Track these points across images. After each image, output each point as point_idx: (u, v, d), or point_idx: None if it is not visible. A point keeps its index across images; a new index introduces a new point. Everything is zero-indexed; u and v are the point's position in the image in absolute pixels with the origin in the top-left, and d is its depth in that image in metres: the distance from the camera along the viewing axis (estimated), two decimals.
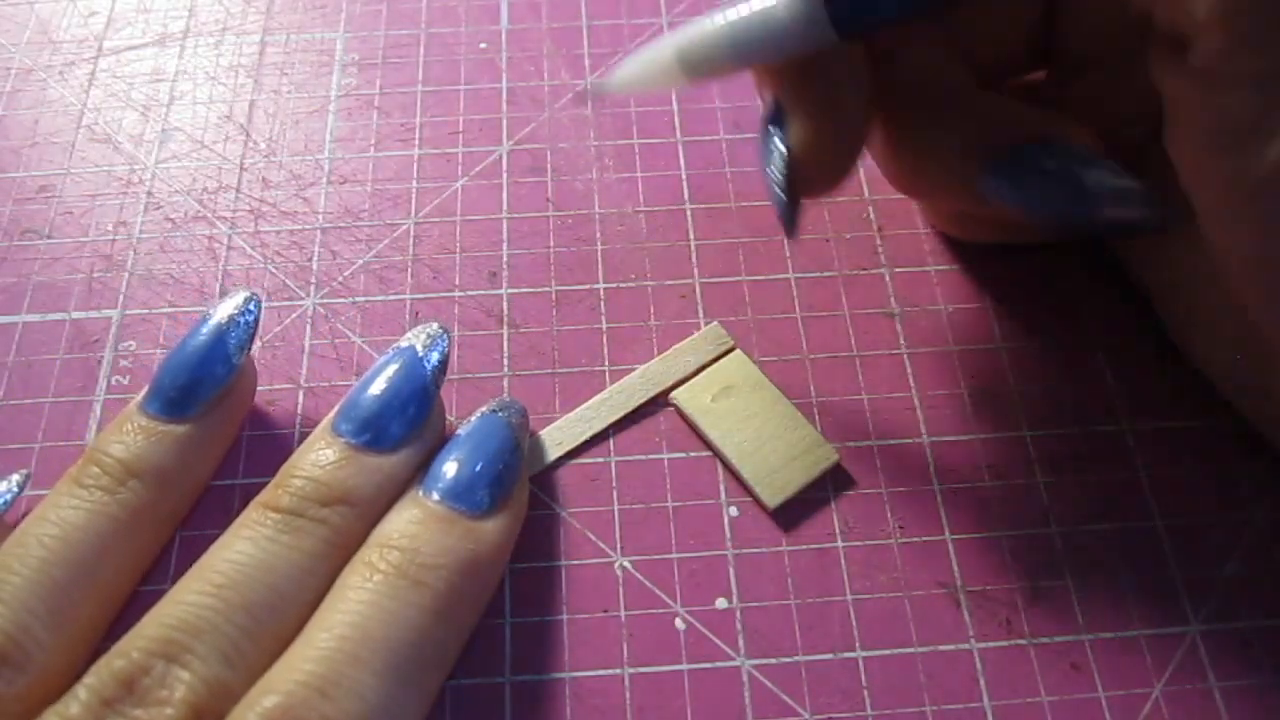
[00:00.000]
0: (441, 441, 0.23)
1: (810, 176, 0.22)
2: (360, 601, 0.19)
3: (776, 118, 0.22)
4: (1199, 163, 0.18)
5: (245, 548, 0.20)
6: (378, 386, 0.23)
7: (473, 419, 0.23)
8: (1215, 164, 0.17)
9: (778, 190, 0.22)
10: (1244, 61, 0.16)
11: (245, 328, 0.23)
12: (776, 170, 0.22)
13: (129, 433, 0.22)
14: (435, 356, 0.23)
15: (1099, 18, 0.22)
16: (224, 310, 0.23)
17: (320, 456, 0.22)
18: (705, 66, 0.22)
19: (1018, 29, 0.24)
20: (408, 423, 0.22)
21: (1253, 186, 0.17)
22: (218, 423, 0.23)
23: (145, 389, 0.23)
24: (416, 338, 0.23)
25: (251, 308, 0.23)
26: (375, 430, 0.22)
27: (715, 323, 0.26)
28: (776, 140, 0.22)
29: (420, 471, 0.22)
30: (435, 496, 0.21)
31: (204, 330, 0.23)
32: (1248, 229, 0.18)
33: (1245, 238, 0.18)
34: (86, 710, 0.18)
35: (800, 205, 0.22)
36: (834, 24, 0.20)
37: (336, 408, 0.23)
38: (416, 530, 0.21)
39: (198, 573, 0.20)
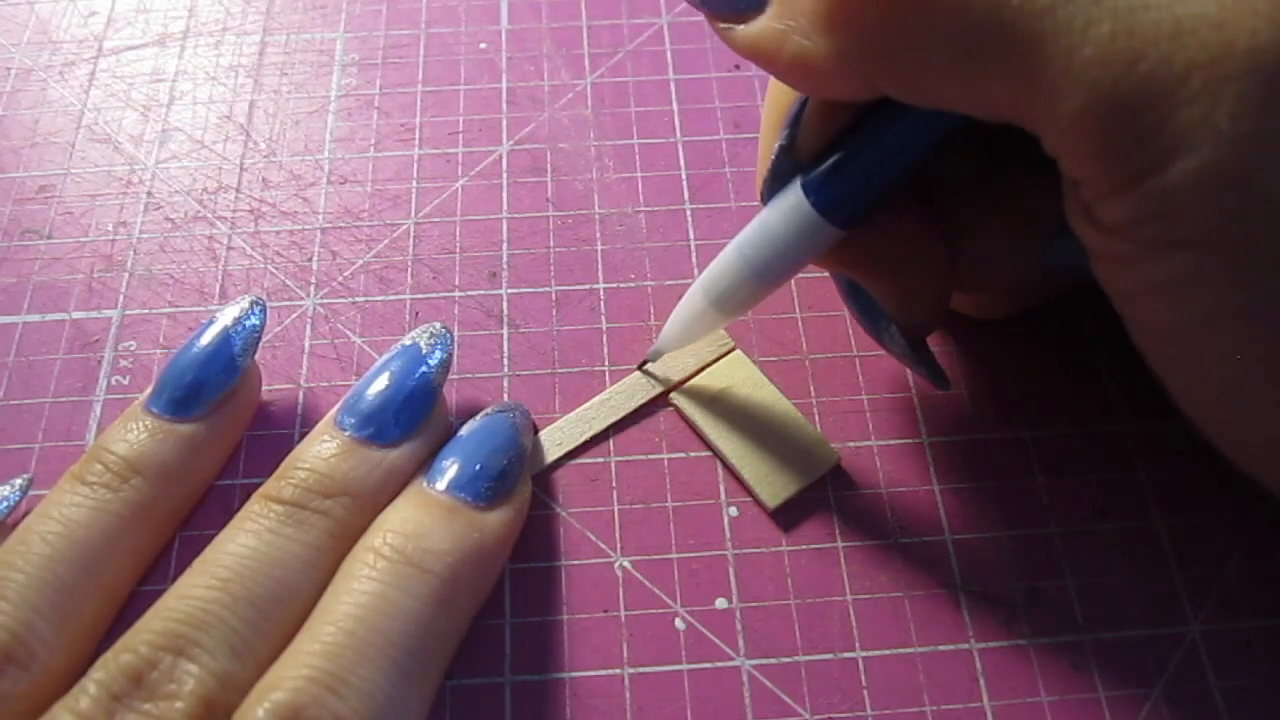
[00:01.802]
0: (444, 439, 0.23)
1: (916, 330, 0.22)
2: (365, 592, 0.20)
3: (854, 290, 0.22)
4: (1107, 289, 0.19)
5: (249, 540, 0.20)
6: (381, 382, 0.23)
7: (476, 419, 0.23)
8: (1116, 296, 0.19)
9: (908, 358, 0.22)
10: (1111, 208, 0.17)
11: (251, 331, 0.23)
12: (897, 343, 0.22)
13: (133, 430, 0.22)
14: (438, 355, 0.23)
15: None
16: (230, 313, 0.23)
17: (323, 449, 0.22)
18: (735, 301, 0.23)
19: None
20: (410, 419, 0.22)
21: (1130, 305, 0.19)
22: (222, 424, 0.23)
23: (150, 388, 0.23)
24: (420, 336, 0.24)
25: (257, 311, 0.24)
26: (378, 425, 0.22)
27: None
28: (879, 316, 0.22)
29: (423, 468, 0.23)
30: (440, 486, 0.22)
31: (210, 332, 0.23)
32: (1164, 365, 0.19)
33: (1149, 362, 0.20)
34: (96, 705, 0.18)
35: (931, 354, 0.23)
36: (833, 222, 0.20)
37: (339, 403, 0.23)
38: (420, 517, 0.21)
39: (201, 566, 0.20)
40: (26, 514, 0.22)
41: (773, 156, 0.21)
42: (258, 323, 0.24)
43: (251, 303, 0.24)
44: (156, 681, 0.18)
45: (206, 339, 0.23)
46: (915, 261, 0.21)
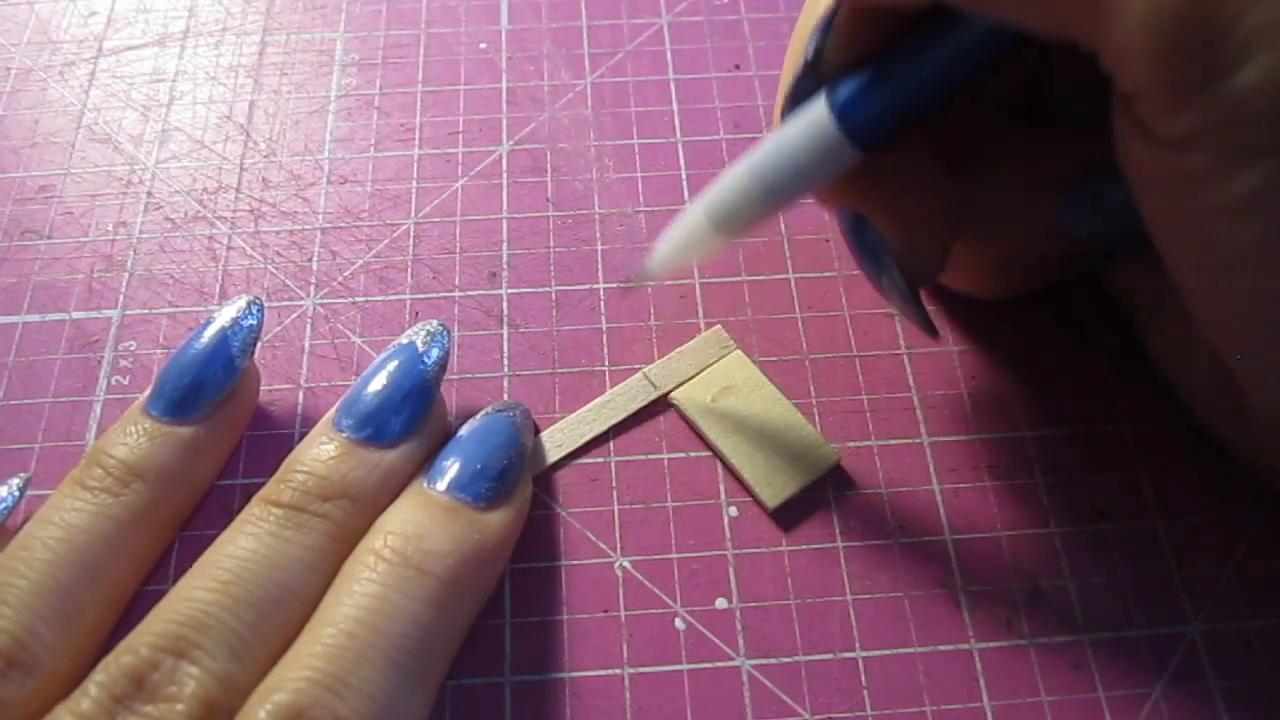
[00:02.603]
0: (443, 439, 0.23)
1: (918, 272, 0.21)
2: (365, 594, 0.20)
3: (859, 226, 0.21)
4: (1160, 226, 0.18)
5: (249, 544, 0.20)
6: (378, 382, 0.23)
7: (476, 419, 0.23)
8: (1176, 228, 0.18)
9: (904, 301, 0.21)
10: (1177, 120, 0.16)
11: (249, 331, 0.23)
12: (897, 285, 0.21)
13: (132, 434, 0.22)
14: (435, 353, 0.23)
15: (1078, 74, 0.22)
16: (227, 314, 0.23)
17: (321, 451, 0.22)
18: (739, 220, 0.21)
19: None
20: (408, 418, 0.22)
21: (1205, 242, 0.17)
22: (221, 425, 0.23)
23: (148, 390, 0.23)
24: (416, 334, 0.23)
25: (254, 311, 0.24)
26: (375, 425, 0.22)
27: (718, 326, 0.26)
28: (882, 254, 0.21)
29: (423, 468, 0.22)
30: (440, 487, 0.22)
31: (207, 333, 0.23)
32: (1206, 288, 0.18)
33: (1202, 304, 0.18)
34: (97, 706, 0.18)
35: (922, 303, 0.22)
36: (855, 143, 0.19)
37: (337, 404, 0.23)
38: (421, 518, 0.21)
39: (202, 569, 0.20)
40: (27, 516, 0.22)
41: (796, 72, 0.20)
42: (255, 323, 0.23)
43: (249, 303, 0.24)
44: (157, 683, 0.18)
45: (204, 340, 0.23)
46: (926, 196, 0.20)
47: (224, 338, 0.23)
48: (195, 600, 0.19)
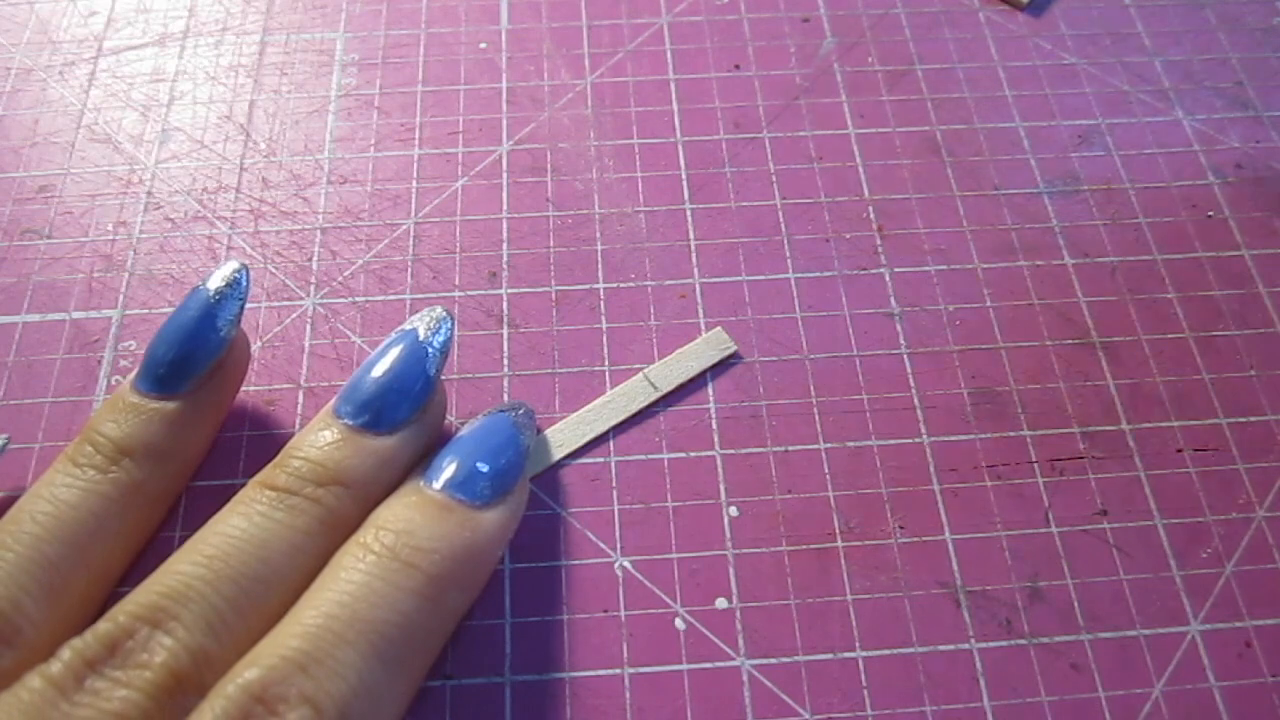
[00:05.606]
0: (443, 431, 0.23)
1: None
2: (351, 582, 0.20)
3: None
4: None
5: (239, 522, 0.20)
6: (379, 369, 0.23)
7: (478, 418, 0.23)
8: None
9: None
10: None
11: (234, 300, 0.23)
12: None
13: (121, 411, 0.22)
14: (438, 340, 0.23)
15: None
16: (212, 283, 0.23)
17: (319, 438, 0.22)
18: None
19: None
20: (407, 405, 0.22)
21: None
22: (210, 398, 0.23)
23: (137, 367, 0.23)
24: (420, 321, 0.23)
25: (240, 279, 0.23)
26: (374, 412, 0.22)
27: (718, 326, 0.26)
28: None
29: (421, 462, 0.22)
30: (436, 485, 0.22)
31: (192, 304, 0.23)
32: None
33: None
34: (67, 669, 0.18)
35: None
36: None
37: (340, 390, 0.23)
38: (413, 514, 0.21)
39: (191, 545, 0.20)
40: (17, 491, 0.22)
41: None
42: (241, 291, 0.23)
43: (234, 270, 0.23)
44: (130, 651, 0.18)
45: (189, 311, 0.23)
46: None
47: (209, 308, 0.23)
48: (179, 573, 0.19)
